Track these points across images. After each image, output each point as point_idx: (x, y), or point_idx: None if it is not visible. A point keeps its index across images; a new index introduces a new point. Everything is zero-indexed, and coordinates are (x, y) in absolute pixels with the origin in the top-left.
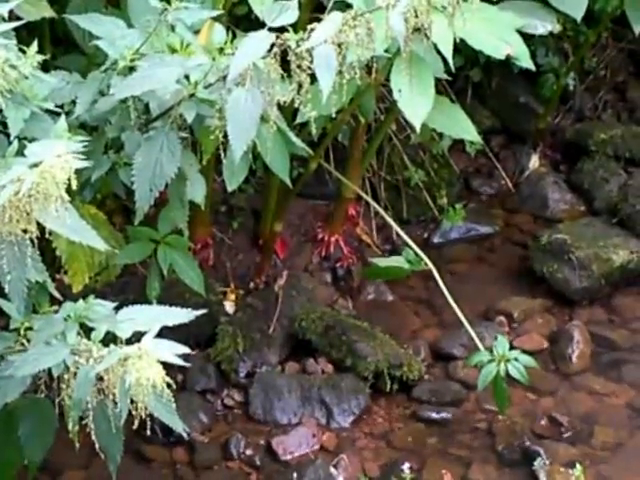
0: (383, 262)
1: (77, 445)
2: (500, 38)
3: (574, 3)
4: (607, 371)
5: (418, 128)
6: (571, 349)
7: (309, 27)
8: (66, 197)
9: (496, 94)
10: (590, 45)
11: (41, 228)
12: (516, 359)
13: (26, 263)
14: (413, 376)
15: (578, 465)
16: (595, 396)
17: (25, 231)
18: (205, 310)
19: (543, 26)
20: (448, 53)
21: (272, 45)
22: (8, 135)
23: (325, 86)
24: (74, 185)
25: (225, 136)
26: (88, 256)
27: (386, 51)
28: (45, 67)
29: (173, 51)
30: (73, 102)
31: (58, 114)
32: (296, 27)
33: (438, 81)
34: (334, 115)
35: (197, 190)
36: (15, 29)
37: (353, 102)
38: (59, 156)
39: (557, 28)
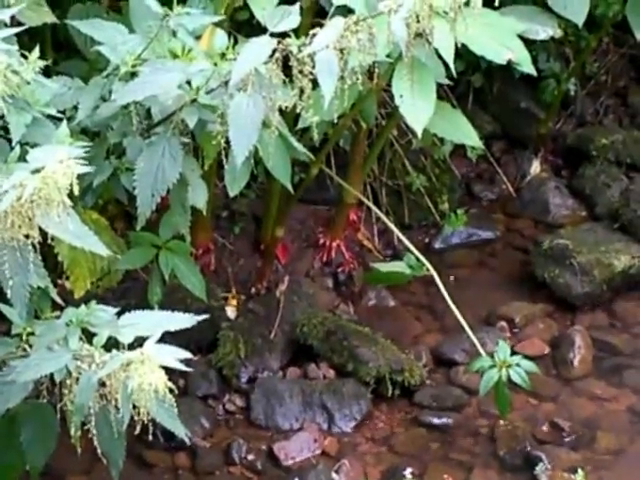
0: (384, 267)
1: (79, 450)
2: (501, 43)
3: (575, 8)
4: (609, 376)
5: (419, 133)
6: (572, 354)
7: (311, 32)
8: (68, 202)
9: (497, 99)
10: (591, 50)
11: (43, 233)
12: (518, 364)
13: (28, 269)
14: (415, 381)
15: (580, 470)
16: (597, 401)
17: (27, 236)
18: (207, 315)
19: (544, 31)
20: (450, 58)
21: (274, 50)
22: (10, 140)
23: (327, 91)
24: (76, 190)
25: (227, 141)
26: (90, 261)
27: (388, 56)
28: (47, 72)
29: (175, 56)
30: (75, 107)
31: (60, 119)
32: (298, 32)
33: (439, 86)
34: (336, 120)
35: (199, 195)
36: (17, 35)
37: (355, 107)
38: (61, 161)
39: (558, 33)
